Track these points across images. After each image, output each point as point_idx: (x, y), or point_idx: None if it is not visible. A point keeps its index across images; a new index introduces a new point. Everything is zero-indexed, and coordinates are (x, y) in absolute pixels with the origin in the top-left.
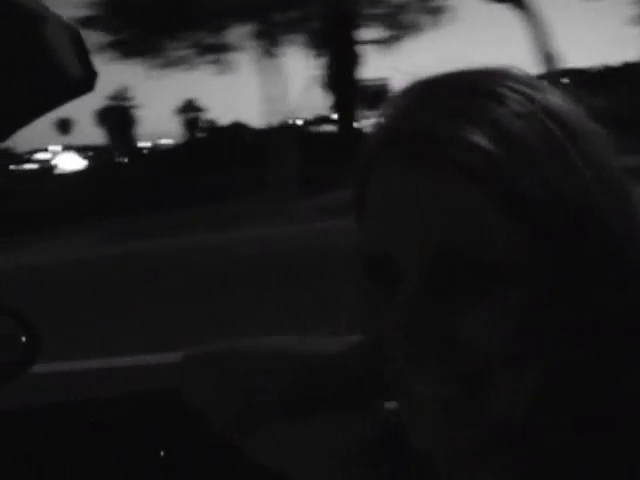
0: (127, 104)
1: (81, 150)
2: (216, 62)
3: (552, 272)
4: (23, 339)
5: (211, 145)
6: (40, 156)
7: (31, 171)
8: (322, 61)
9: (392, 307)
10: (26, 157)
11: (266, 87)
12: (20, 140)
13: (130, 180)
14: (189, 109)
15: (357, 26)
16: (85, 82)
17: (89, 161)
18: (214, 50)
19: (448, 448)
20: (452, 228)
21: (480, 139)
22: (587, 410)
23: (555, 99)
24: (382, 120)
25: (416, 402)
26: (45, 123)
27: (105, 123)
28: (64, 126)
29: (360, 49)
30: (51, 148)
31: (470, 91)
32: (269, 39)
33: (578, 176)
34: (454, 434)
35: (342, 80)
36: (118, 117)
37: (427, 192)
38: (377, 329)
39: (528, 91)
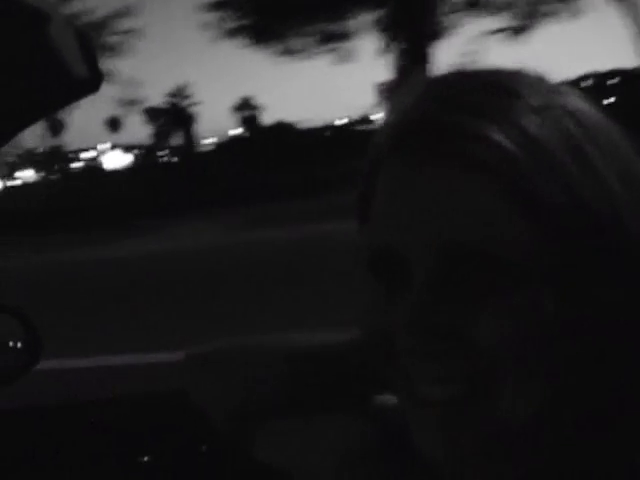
0: (185, 102)
1: (128, 148)
2: (336, 50)
3: (567, 273)
4: (20, 342)
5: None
6: (85, 155)
7: (84, 169)
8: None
9: (399, 303)
10: (72, 156)
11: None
12: (69, 138)
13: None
14: (245, 107)
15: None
16: (91, 82)
17: (136, 159)
18: (335, 38)
19: (450, 448)
20: (464, 226)
21: (499, 137)
22: (589, 410)
23: (575, 101)
24: (396, 113)
25: (419, 401)
26: (95, 121)
27: (155, 121)
28: (114, 124)
29: (430, 44)
30: (100, 147)
31: (490, 88)
32: (392, 28)
33: (598, 178)
34: (457, 434)
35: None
36: (175, 115)
37: (441, 188)
38: (381, 326)
39: (548, 92)
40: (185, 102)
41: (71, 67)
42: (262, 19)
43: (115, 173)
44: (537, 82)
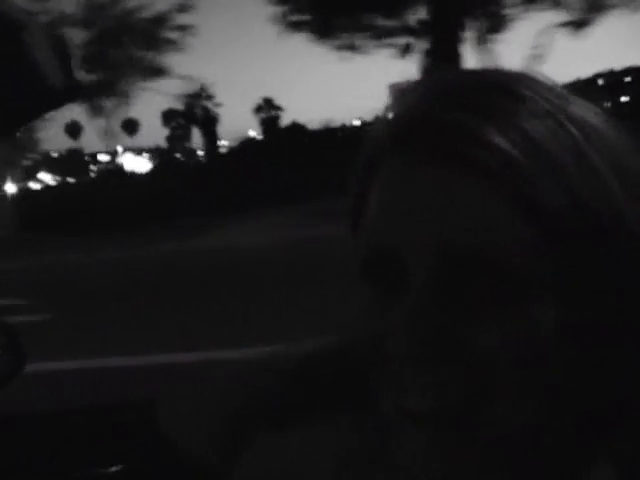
0: (207, 103)
1: (144, 151)
2: (394, 46)
3: (568, 277)
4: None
5: None
6: (101, 157)
7: (108, 170)
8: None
9: (395, 306)
10: (88, 159)
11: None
12: (85, 141)
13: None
14: (266, 108)
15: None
16: (68, 91)
17: (154, 161)
18: (392, 34)
19: (445, 463)
20: (464, 229)
21: (501, 140)
22: (588, 414)
23: (580, 107)
24: (395, 111)
25: (407, 413)
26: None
27: (171, 122)
28: (130, 127)
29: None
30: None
31: (494, 90)
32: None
33: (600, 182)
34: (452, 446)
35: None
36: (197, 116)
37: (441, 189)
38: (375, 329)
39: (552, 96)
40: (208, 103)
41: (47, 76)
42: (322, 14)
43: (137, 175)
44: (542, 86)
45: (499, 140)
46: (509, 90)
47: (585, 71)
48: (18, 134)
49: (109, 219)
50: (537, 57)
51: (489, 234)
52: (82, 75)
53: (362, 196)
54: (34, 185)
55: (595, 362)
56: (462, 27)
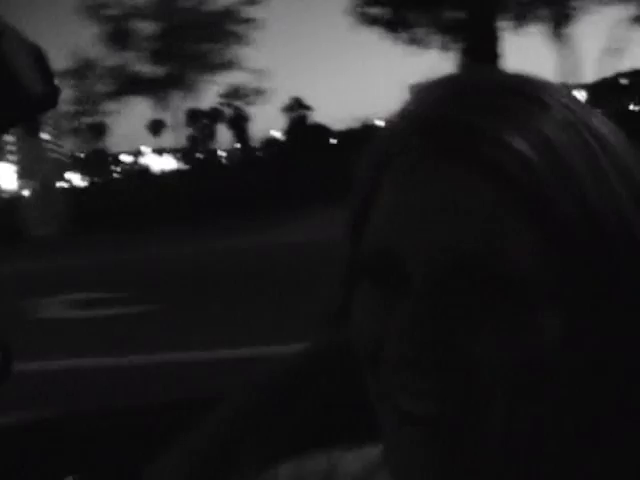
0: (238, 103)
1: (170, 152)
2: (457, 41)
3: (573, 287)
4: None
5: None
6: (124, 158)
7: (133, 171)
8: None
9: (395, 310)
10: (111, 160)
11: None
12: (111, 142)
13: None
14: (296, 107)
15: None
16: (47, 98)
17: (184, 162)
18: (457, 27)
19: (441, 469)
20: (472, 234)
21: (519, 142)
22: (588, 421)
23: (597, 119)
24: (409, 110)
25: (403, 416)
26: (136, 125)
27: (196, 123)
28: (155, 127)
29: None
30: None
31: (514, 93)
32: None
33: (611, 192)
34: (449, 451)
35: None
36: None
37: (452, 190)
38: (374, 332)
39: (573, 106)
40: (240, 102)
41: (26, 83)
42: (394, 8)
43: (164, 175)
44: (565, 96)
45: (517, 142)
46: (531, 96)
47: None
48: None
49: (145, 218)
50: (615, 50)
51: (497, 240)
52: (150, 68)
53: (368, 196)
54: (62, 185)
55: (597, 369)
56: (499, 25)
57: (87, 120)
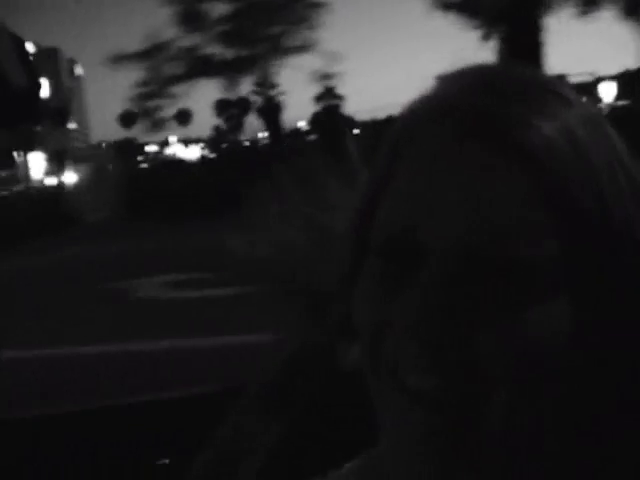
0: (271, 93)
1: (195, 141)
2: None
3: (585, 279)
4: None
5: None
6: (149, 149)
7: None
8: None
9: (409, 291)
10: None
11: None
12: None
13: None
14: (328, 96)
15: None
16: (30, 91)
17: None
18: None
19: (439, 454)
20: (495, 214)
21: (548, 129)
22: (588, 417)
23: (608, 124)
24: (434, 95)
25: (406, 388)
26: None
27: (224, 113)
28: (182, 117)
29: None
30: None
31: (539, 86)
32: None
33: (620, 191)
34: (448, 431)
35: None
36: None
37: (476, 172)
38: (381, 307)
39: (592, 107)
40: (272, 92)
41: (10, 77)
42: None
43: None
44: (577, 93)
45: (546, 128)
46: (555, 91)
47: None
48: (70, 125)
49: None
50: None
51: (516, 224)
52: (220, 50)
53: (387, 178)
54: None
55: (600, 365)
56: (542, 15)
57: (169, 108)
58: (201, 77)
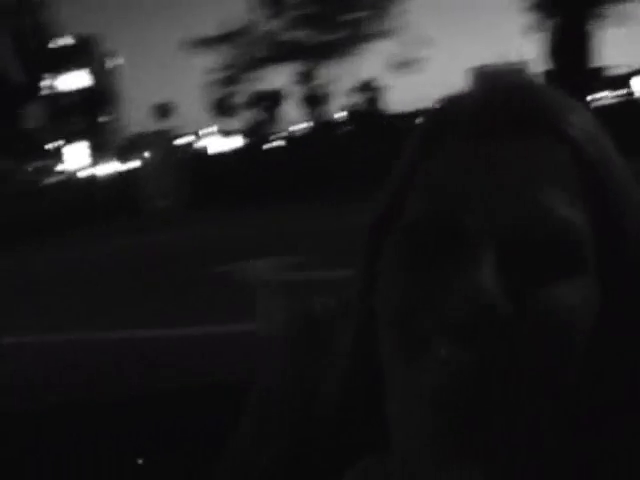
0: (313, 84)
1: (227, 133)
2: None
3: (612, 263)
4: None
5: None
6: (180, 141)
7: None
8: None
9: (447, 278)
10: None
11: None
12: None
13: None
14: (366, 89)
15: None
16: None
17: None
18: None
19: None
20: (540, 196)
21: (582, 122)
22: (586, 412)
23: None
24: (471, 91)
25: (433, 356)
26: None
27: (258, 105)
28: (222, 107)
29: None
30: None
31: (560, 93)
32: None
33: (629, 194)
34: (450, 436)
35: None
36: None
37: (521, 158)
38: (415, 299)
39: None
40: (313, 84)
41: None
42: None
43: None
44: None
45: (580, 120)
46: (570, 97)
47: None
48: (105, 118)
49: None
50: None
51: (558, 206)
52: (300, 35)
53: (417, 164)
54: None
55: (607, 360)
56: (591, 4)
57: (261, 90)
58: (283, 62)
